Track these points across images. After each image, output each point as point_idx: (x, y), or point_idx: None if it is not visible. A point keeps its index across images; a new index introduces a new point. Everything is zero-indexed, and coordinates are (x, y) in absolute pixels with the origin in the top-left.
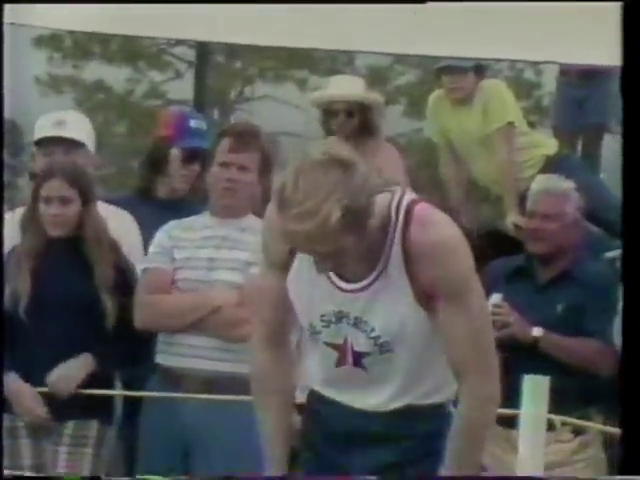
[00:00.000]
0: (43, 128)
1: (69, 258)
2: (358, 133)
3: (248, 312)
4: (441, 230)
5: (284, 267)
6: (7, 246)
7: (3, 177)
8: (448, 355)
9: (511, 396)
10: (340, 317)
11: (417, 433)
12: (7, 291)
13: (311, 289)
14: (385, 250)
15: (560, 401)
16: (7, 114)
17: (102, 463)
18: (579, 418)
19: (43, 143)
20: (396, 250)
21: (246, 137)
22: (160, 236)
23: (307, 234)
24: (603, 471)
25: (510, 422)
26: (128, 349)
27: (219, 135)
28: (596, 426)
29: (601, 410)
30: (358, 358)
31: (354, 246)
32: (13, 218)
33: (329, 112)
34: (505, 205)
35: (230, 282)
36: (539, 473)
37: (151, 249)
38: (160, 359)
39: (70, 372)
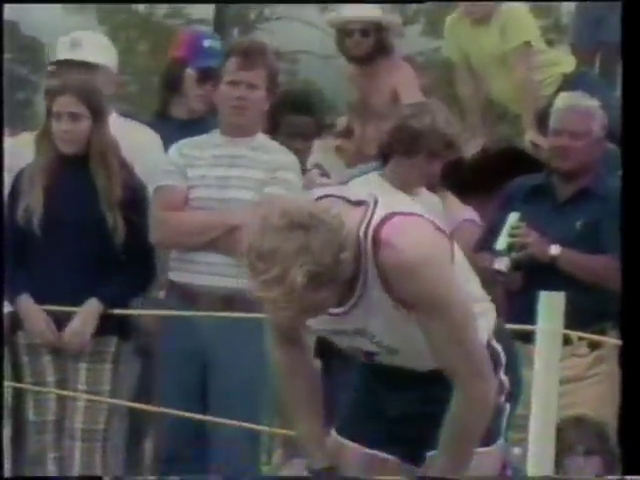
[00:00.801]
0: (60, 49)
1: (80, 176)
2: (373, 53)
3: None
4: (408, 251)
5: None
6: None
7: (3, 179)
8: (434, 359)
9: (528, 312)
10: (340, 331)
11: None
12: (20, 208)
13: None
14: (361, 277)
15: (576, 316)
16: (31, 32)
17: (121, 379)
18: (595, 333)
19: (60, 63)
20: (371, 274)
21: (253, 55)
22: (172, 154)
23: (275, 300)
24: (617, 386)
25: (526, 337)
26: (137, 269)
27: (227, 54)
28: (610, 340)
29: (617, 326)
30: (370, 356)
31: (328, 298)
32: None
33: (345, 32)
34: (523, 123)
35: (244, 201)
36: (554, 388)
37: (164, 167)
38: (173, 276)
39: (82, 326)
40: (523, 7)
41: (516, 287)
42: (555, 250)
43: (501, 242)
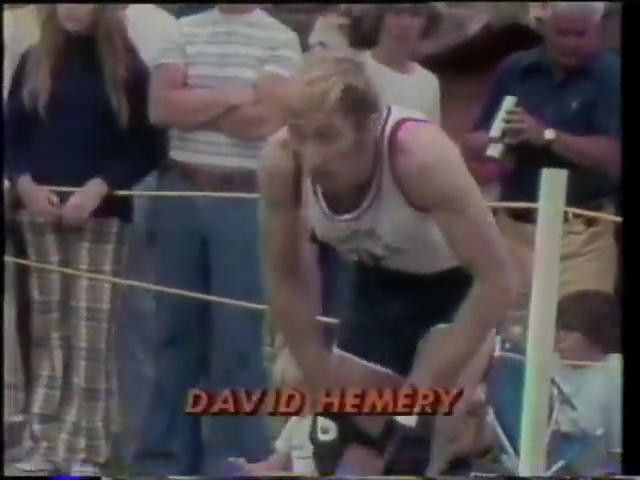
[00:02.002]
0: None
1: (86, 57)
2: None
3: (264, 111)
4: (423, 154)
5: (289, 206)
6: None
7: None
8: (456, 255)
9: (527, 191)
10: (348, 236)
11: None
12: (25, 90)
13: (317, 223)
14: (374, 182)
15: (572, 193)
16: None
17: (122, 260)
18: (591, 210)
19: None
20: (386, 179)
21: None
22: (172, 32)
23: (309, 99)
24: (613, 261)
25: (526, 216)
26: (140, 150)
27: None
28: (606, 216)
29: (613, 202)
30: (376, 259)
31: (349, 150)
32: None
33: None
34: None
35: (243, 79)
36: (556, 265)
37: (163, 45)
38: (175, 155)
39: (83, 201)
40: None
41: (508, 171)
42: (550, 134)
43: (495, 128)
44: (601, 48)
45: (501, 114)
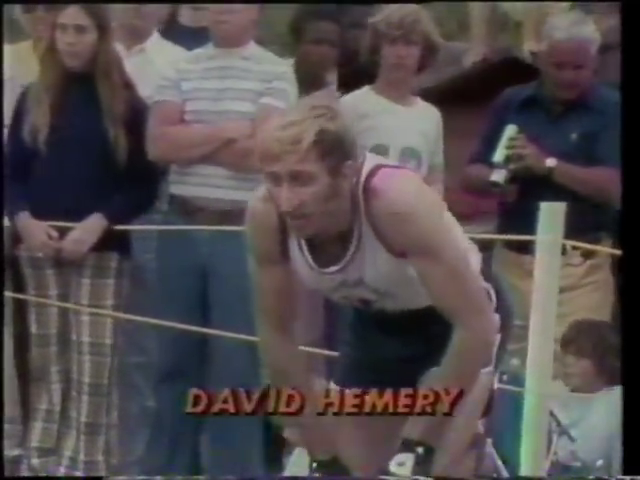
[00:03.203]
0: None
1: (85, 93)
2: None
3: None
4: (395, 201)
5: (278, 260)
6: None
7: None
8: (433, 302)
9: (525, 223)
10: (338, 286)
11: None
12: (25, 126)
13: (305, 277)
14: (355, 231)
15: (571, 226)
16: None
17: (123, 294)
18: (590, 242)
19: None
20: (365, 226)
21: None
22: (166, 69)
23: (283, 142)
24: (611, 294)
25: (524, 248)
26: (140, 185)
27: None
28: (604, 249)
29: (611, 235)
30: (367, 303)
31: (323, 195)
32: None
33: None
34: (524, 31)
35: (240, 112)
36: (554, 297)
37: (159, 82)
38: (174, 189)
39: (83, 236)
40: None
41: (512, 199)
42: (551, 162)
43: (498, 154)
44: (598, 81)
45: (503, 141)
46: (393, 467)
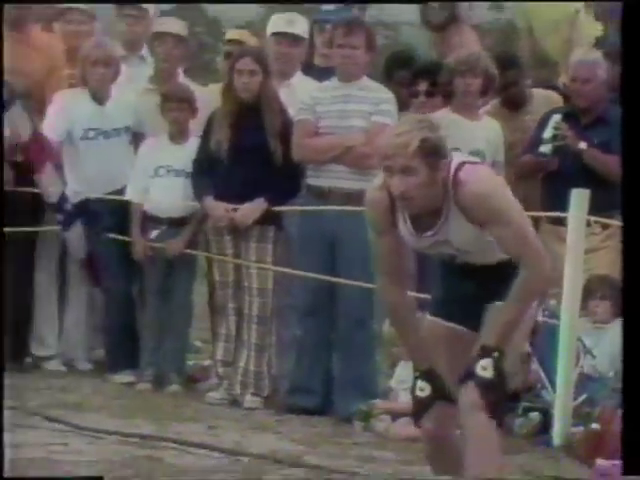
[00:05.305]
0: (276, 24)
1: (253, 116)
2: (447, 21)
3: (372, 149)
4: (476, 188)
5: (390, 230)
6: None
7: (3, 178)
8: (506, 254)
9: (561, 202)
10: (433, 245)
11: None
12: (213, 140)
13: (408, 240)
14: (444, 208)
15: (593, 206)
16: (214, 13)
17: (278, 254)
18: (606, 217)
19: (275, 35)
20: (453, 206)
21: (353, 25)
22: (305, 97)
23: (396, 146)
24: (619, 255)
25: (560, 222)
26: (289, 178)
27: (334, 26)
28: (616, 222)
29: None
30: (452, 257)
31: (424, 184)
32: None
33: (428, 8)
34: (560, 68)
35: (357, 127)
36: (581, 256)
37: (300, 106)
38: (311, 181)
39: (249, 213)
40: None
41: (553, 167)
42: (583, 145)
43: (547, 132)
44: (608, 100)
45: (551, 124)
46: (479, 371)
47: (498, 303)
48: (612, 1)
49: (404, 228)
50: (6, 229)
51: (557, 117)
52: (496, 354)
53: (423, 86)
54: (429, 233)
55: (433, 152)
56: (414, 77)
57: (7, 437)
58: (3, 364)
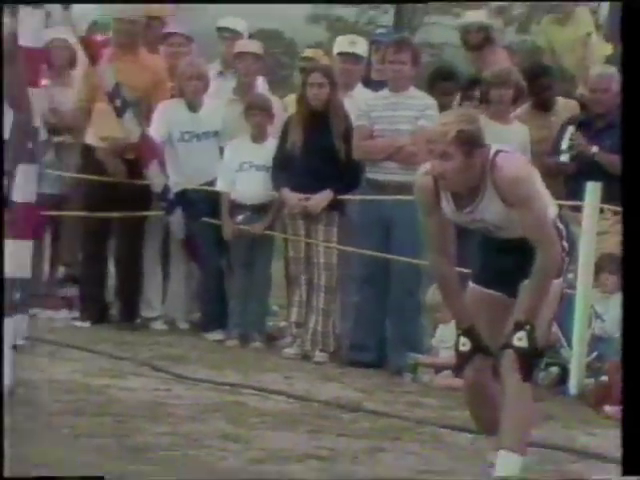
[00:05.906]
0: (341, 44)
1: (322, 122)
2: (483, 42)
3: (418, 149)
4: (512, 172)
5: (436, 210)
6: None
7: (3, 176)
8: (525, 235)
9: (579, 192)
10: (470, 221)
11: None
12: (289, 141)
13: (451, 216)
14: (481, 188)
15: (605, 196)
16: (290, 34)
17: (341, 235)
18: (615, 205)
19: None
20: (489, 187)
21: (402, 44)
22: (361, 105)
23: (438, 133)
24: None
25: (577, 209)
26: (351, 173)
27: (386, 45)
28: (616, 208)
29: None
30: (488, 232)
31: (459, 168)
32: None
33: (466, 30)
34: (577, 81)
35: (406, 130)
36: (594, 237)
37: (357, 113)
38: (369, 175)
39: (318, 202)
40: (587, 11)
41: (571, 172)
42: (595, 149)
43: (565, 144)
44: (618, 109)
45: (567, 136)
46: (516, 342)
47: (526, 282)
48: (612, 1)
49: (447, 206)
50: (120, 214)
51: (571, 129)
52: (528, 327)
53: (477, 93)
54: (468, 209)
55: (469, 141)
56: (468, 86)
57: (120, 382)
58: (2, 362)
